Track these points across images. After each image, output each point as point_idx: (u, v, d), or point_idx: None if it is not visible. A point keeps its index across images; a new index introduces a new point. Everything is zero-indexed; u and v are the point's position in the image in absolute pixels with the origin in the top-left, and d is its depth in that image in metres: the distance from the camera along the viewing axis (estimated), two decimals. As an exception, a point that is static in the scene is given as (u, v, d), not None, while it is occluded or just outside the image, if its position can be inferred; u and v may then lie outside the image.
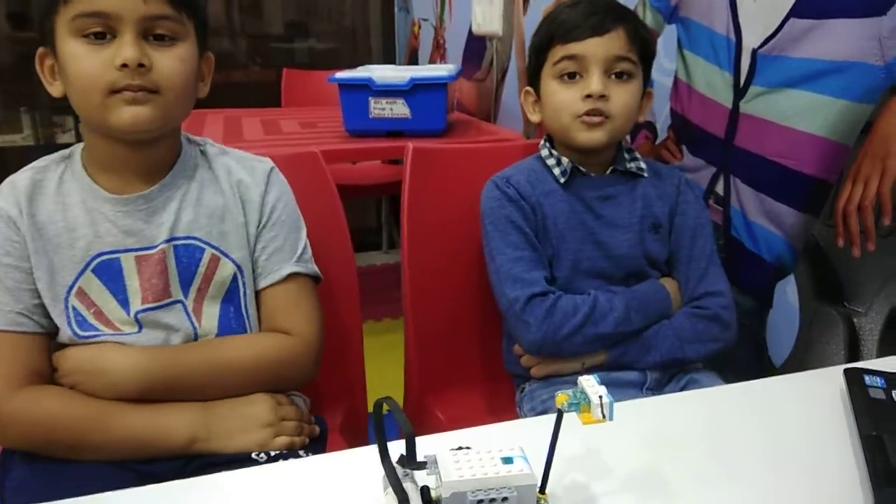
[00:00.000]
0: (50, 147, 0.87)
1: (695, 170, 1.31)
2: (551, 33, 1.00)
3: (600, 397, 0.53)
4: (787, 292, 1.11)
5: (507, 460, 0.53)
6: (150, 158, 0.85)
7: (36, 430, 0.78)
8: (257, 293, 0.91)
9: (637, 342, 0.99)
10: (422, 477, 0.54)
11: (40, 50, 0.81)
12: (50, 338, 0.83)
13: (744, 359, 1.17)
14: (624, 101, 0.99)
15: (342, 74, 1.86)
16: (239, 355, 0.86)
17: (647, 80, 1.03)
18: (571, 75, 0.99)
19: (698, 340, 1.00)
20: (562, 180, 1.03)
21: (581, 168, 1.04)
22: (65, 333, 0.82)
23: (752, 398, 0.76)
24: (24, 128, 2.97)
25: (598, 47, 0.97)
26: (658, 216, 1.04)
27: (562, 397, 0.55)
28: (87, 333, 0.82)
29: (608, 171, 1.05)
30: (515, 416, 1.06)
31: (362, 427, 1.15)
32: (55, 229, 0.82)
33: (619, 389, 0.96)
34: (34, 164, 0.86)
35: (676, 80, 1.35)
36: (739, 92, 1.18)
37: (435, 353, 1.17)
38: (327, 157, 1.15)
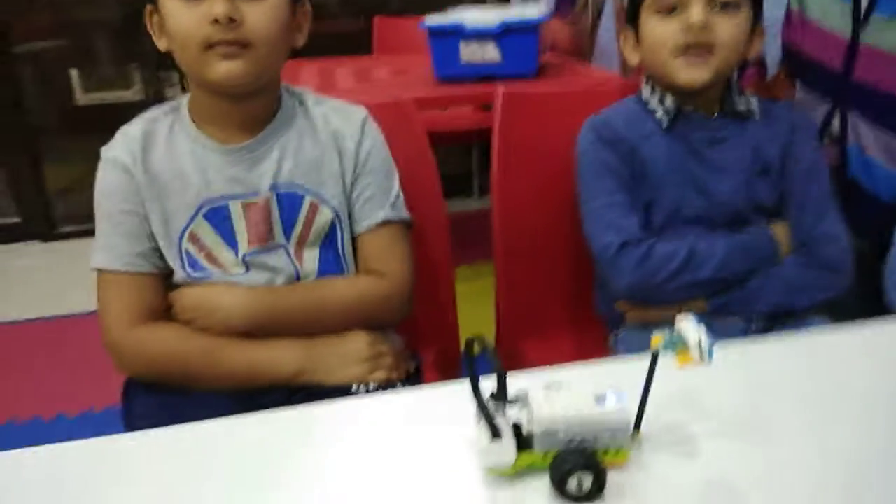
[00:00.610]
0: (159, 101, 0.92)
1: (809, 106, 1.22)
2: None
3: (699, 339, 0.52)
4: (907, 236, 1.04)
5: (601, 399, 0.53)
6: (252, 110, 0.88)
7: (154, 363, 0.85)
8: (353, 238, 0.94)
9: (741, 291, 0.95)
10: (515, 413, 0.55)
11: (148, 6, 0.85)
12: (165, 278, 0.89)
13: (859, 305, 1.10)
14: (729, 32, 0.92)
15: (432, 20, 1.84)
16: (338, 296, 0.90)
17: (757, 17, 0.96)
18: (672, 9, 0.94)
19: (811, 289, 0.95)
20: (665, 123, 0.99)
21: (686, 108, 0.99)
22: (179, 275, 0.88)
23: (863, 342, 0.72)
24: (134, 83, 3.14)
25: None
26: (769, 160, 0.98)
27: (657, 338, 0.54)
28: (199, 274, 0.88)
29: (716, 113, 1.00)
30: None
31: (455, 365, 1.17)
32: (167, 176, 0.87)
33: (721, 335, 0.93)
34: (145, 114, 0.91)
35: (789, 11, 1.25)
36: (860, 21, 1.09)
37: (525, 297, 1.17)
38: (417, 104, 1.16)
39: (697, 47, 0.93)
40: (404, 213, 0.96)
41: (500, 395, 0.53)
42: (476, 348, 0.55)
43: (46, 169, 3.00)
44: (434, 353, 1.13)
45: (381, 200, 0.93)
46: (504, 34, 1.79)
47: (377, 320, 0.92)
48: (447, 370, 1.13)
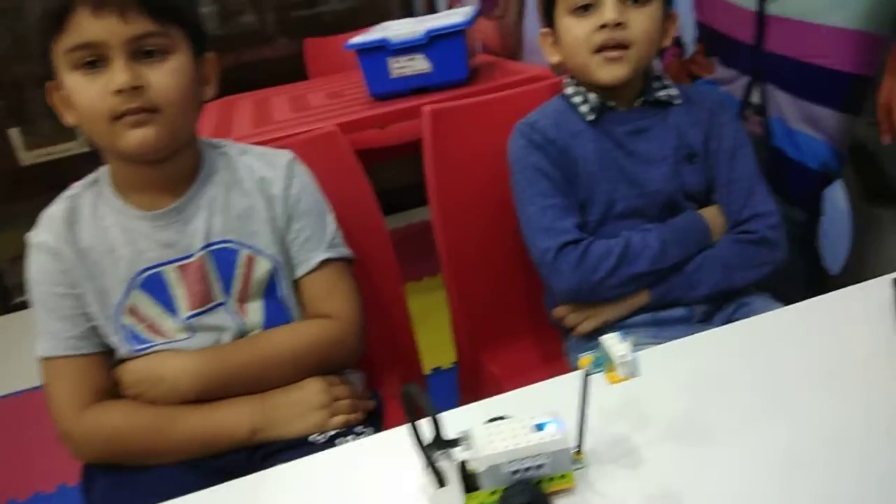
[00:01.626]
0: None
1: (728, 81, 1.25)
2: None
3: (622, 355, 0.53)
4: (837, 198, 1.06)
5: (540, 427, 0.54)
6: (173, 172, 0.87)
7: (107, 445, 0.84)
8: (295, 283, 0.93)
9: (680, 277, 0.96)
10: (460, 452, 0.55)
11: (48, 84, 0.83)
12: (108, 356, 0.88)
13: (798, 272, 1.12)
14: (643, 26, 0.93)
15: (357, 39, 1.83)
16: (287, 345, 0.89)
17: (668, 2, 0.97)
18: (585, 7, 0.94)
19: (747, 266, 0.96)
20: (589, 118, 0.99)
21: (609, 103, 1.00)
22: (121, 350, 0.86)
23: (803, 321, 0.73)
24: (79, 134, 3.08)
25: None
26: (693, 145, 1.00)
27: (585, 360, 0.54)
28: (142, 346, 0.86)
29: (638, 103, 1.01)
30: (567, 365, 1.06)
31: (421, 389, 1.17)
32: (97, 253, 0.86)
33: (667, 328, 0.95)
34: (65, 193, 0.89)
35: (698, -11, 1.28)
36: (763, -8, 1.11)
37: (480, 310, 1.17)
38: (350, 127, 1.16)
39: (613, 45, 0.94)
40: (344, 251, 0.96)
41: (439, 442, 0.53)
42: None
43: (-6, 238, 2.93)
44: (398, 382, 1.13)
45: (317, 241, 0.93)
46: (431, 44, 1.78)
47: (331, 363, 0.91)
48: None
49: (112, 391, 0.86)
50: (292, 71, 2.76)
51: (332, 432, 0.85)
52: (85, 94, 0.78)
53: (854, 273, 1.04)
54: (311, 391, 0.87)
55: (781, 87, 1.12)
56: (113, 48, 0.76)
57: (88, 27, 0.76)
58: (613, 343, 0.54)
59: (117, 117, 0.78)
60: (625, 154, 0.99)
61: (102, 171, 0.90)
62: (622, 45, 0.93)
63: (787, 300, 0.78)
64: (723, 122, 1.01)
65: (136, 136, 0.79)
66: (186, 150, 0.88)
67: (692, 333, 0.74)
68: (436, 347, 1.44)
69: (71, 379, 0.84)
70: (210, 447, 0.84)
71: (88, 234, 0.86)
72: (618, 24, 0.92)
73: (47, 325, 0.85)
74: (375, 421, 0.92)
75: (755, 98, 1.19)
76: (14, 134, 3.00)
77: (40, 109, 3.06)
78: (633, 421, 0.61)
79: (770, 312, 0.77)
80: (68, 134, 3.07)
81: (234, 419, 0.84)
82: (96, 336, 0.86)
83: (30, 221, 0.89)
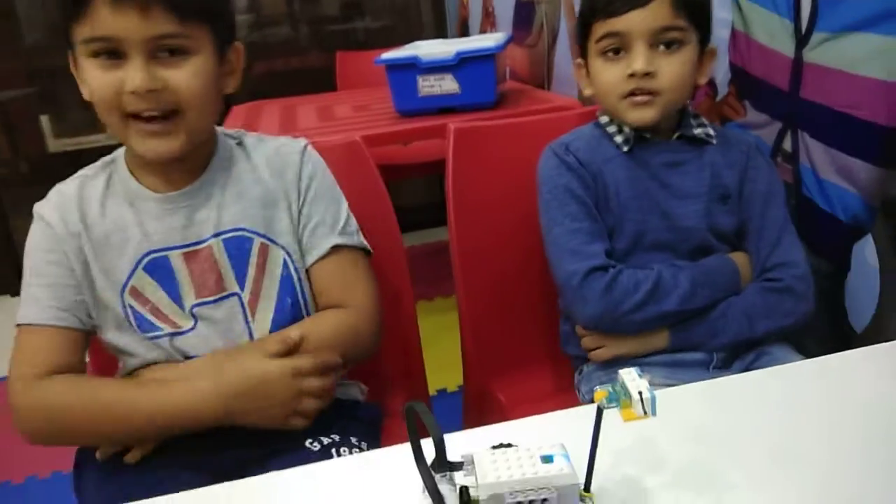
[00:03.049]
0: None
1: (759, 126, 1.23)
2: (592, 6, 0.95)
3: (640, 392, 0.50)
4: (866, 253, 1.03)
5: (548, 459, 0.52)
6: (186, 161, 0.85)
7: (48, 422, 0.79)
8: (308, 273, 0.90)
9: (703, 323, 0.94)
10: (461, 477, 0.53)
11: (70, 52, 0.81)
12: (87, 336, 0.85)
13: (821, 326, 1.09)
14: (674, 73, 0.93)
15: (388, 55, 1.84)
16: (315, 336, 0.84)
17: (706, 39, 0.97)
18: (616, 51, 0.94)
19: (770, 316, 0.94)
20: (625, 149, 0.98)
21: (645, 135, 0.99)
22: (126, 337, 0.84)
23: (824, 375, 0.71)
24: (106, 128, 3.12)
25: (640, 21, 0.91)
26: (727, 186, 0.98)
27: (600, 393, 0.52)
28: (150, 334, 0.84)
29: (674, 137, 0.99)
30: (577, 398, 1.03)
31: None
32: (106, 232, 0.84)
33: (683, 370, 0.92)
34: (80, 172, 0.88)
35: (734, 32, 1.26)
36: (802, 39, 1.09)
37: (492, 334, 1.15)
38: (373, 141, 1.15)
39: (642, 92, 0.93)
40: (358, 239, 0.92)
41: (440, 464, 0.51)
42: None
43: (16, 220, 2.95)
44: (402, 398, 1.11)
45: (329, 227, 0.90)
46: (461, 65, 1.79)
47: (347, 356, 0.87)
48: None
49: (80, 372, 0.83)
50: (321, 82, 2.78)
51: (327, 441, 0.83)
52: (99, 84, 0.76)
53: (880, 332, 1.01)
54: (277, 386, 0.80)
55: (814, 135, 1.10)
56: (131, 46, 0.74)
57: (106, 21, 0.73)
58: (631, 378, 0.52)
59: (132, 115, 0.77)
60: (659, 185, 0.98)
61: (119, 152, 0.89)
62: (651, 93, 0.93)
63: (809, 353, 0.76)
64: (758, 166, 0.99)
65: (152, 146, 0.78)
66: (201, 143, 0.87)
67: (708, 378, 0.71)
68: (441, 369, 1.42)
69: (38, 349, 0.80)
70: (173, 427, 0.78)
71: (98, 213, 0.85)
72: (647, 73, 0.92)
73: (33, 292, 0.82)
74: (373, 435, 0.90)
75: (786, 145, 1.17)
76: (44, 121, 3.04)
77: (72, 100, 3.09)
78: (644, 463, 0.58)
79: (790, 364, 0.75)
80: (97, 126, 3.11)
81: (194, 397, 0.78)
82: (81, 312, 0.83)
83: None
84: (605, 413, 0.52)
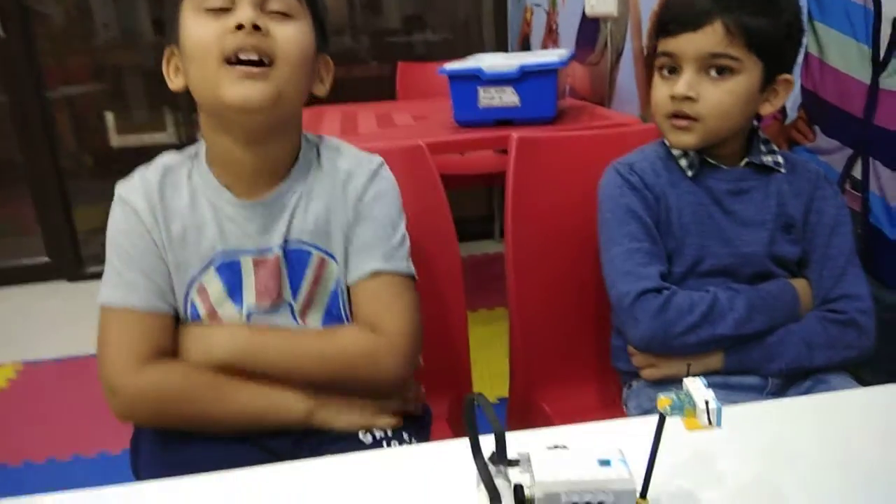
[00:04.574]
0: (192, 143, 0.91)
1: (829, 152, 1.20)
2: (658, 22, 0.95)
3: (707, 402, 0.50)
4: (934, 286, 1.00)
5: (605, 463, 0.51)
6: (267, 159, 0.85)
7: (160, 405, 0.82)
8: (348, 289, 0.89)
9: (759, 347, 0.92)
10: (516, 475, 0.53)
11: (168, 48, 0.84)
12: (176, 320, 0.86)
13: (883, 357, 1.06)
14: (717, 100, 0.90)
15: (451, 65, 1.86)
16: (317, 345, 0.85)
17: (775, 68, 0.92)
18: (672, 70, 0.94)
19: (830, 347, 0.91)
20: (689, 173, 0.97)
21: (710, 160, 0.97)
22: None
23: (884, 404, 0.69)
24: (168, 126, 3.23)
25: (690, 44, 0.90)
26: (792, 215, 0.96)
27: (664, 400, 0.52)
28: None
29: (742, 163, 0.98)
30: (623, 414, 1.02)
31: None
32: (184, 225, 0.85)
33: (737, 393, 0.90)
34: (164, 160, 0.88)
35: (807, 55, 1.25)
36: (879, 66, 1.07)
37: (541, 346, 1.15)
38: (433, 149, 1.16)
39: (681, 115, 0.93)
40: (403, 266, 0.89)
41: (500, 458, 0.51)
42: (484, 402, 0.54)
43: (77, 210, 3.08)
44: (447, 403, 1.11)
45: (374, 249, 0.88)
46: (522, 79, 1.80)
47: (358, 377, 0.86)
48: (460, 420, 1.11)
49: (173, 356, 0.84)
50: (381, 91, 2.83)
51: (379, 435, 0.84)
52: (203, 31, 0.78)
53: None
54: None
55: (887, 163, 1.08)
56: (238, 1, 0.78)
57: None
58: (697, 387, 0.51)
59: (231, 61, 0.77)
60: (721, 212, 0.96)
61: (201, 146, 0.89)
62: (690, 118, 0.92)
63: (867, 385, 0.74)
64: (825, 197, 0.97)
65: (243, 89, 0.77)
66: (285, 136, 0.86)
67: (759, 402, 0.70)
68: (485, 380, 1.42)
69: (137, 333, 0.82)
70: (263, 423, 0.82)
71: (178, 205, 0.85)
72: (687, 97, 0.91)
73: (124, 275, 0.83)
74: (423, 435, 0.90)
75: (856, 172, 1.14)
76: (109, 117, 3.17)
77: (137, 98, 3.22)
78: (701, 477, 0.58)
79: (850, 390, 0.73)
80: (158, 124, 3.22)
81: (290, 397, 0.83)
82: (172, 297, 0.85)
83: (110, 198, 0.89)
84: (666, 423, 0.51)
